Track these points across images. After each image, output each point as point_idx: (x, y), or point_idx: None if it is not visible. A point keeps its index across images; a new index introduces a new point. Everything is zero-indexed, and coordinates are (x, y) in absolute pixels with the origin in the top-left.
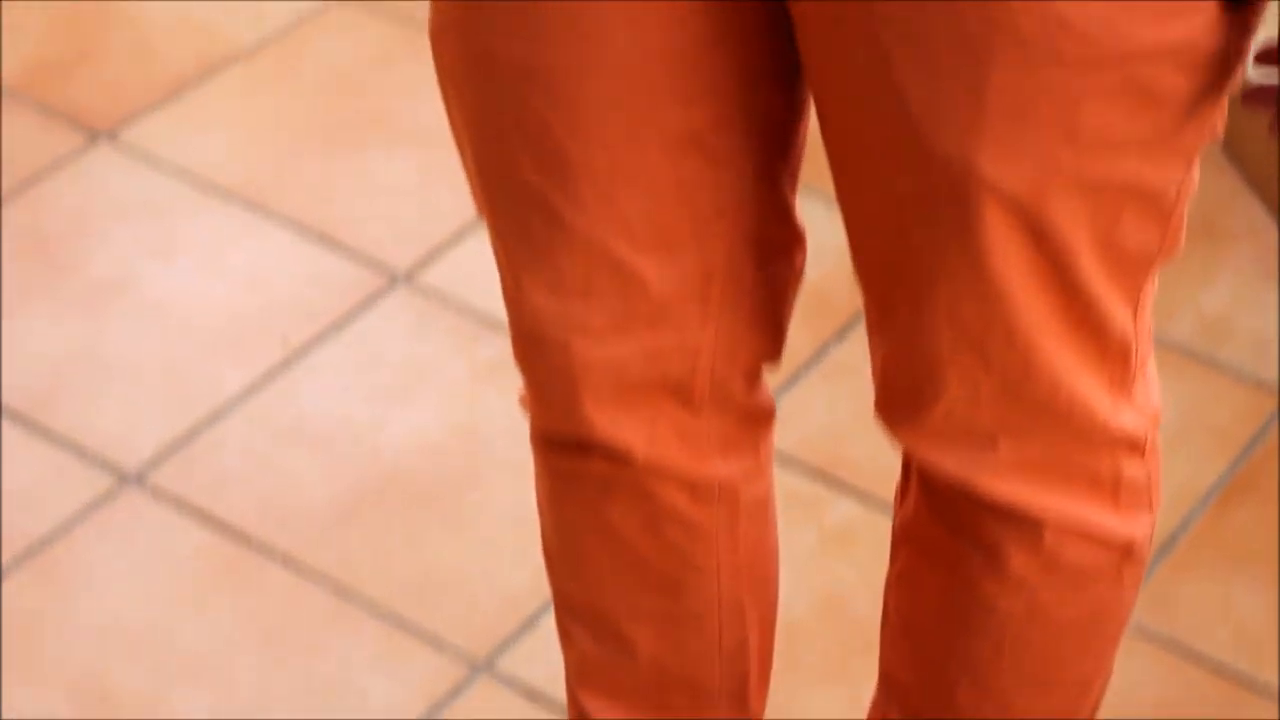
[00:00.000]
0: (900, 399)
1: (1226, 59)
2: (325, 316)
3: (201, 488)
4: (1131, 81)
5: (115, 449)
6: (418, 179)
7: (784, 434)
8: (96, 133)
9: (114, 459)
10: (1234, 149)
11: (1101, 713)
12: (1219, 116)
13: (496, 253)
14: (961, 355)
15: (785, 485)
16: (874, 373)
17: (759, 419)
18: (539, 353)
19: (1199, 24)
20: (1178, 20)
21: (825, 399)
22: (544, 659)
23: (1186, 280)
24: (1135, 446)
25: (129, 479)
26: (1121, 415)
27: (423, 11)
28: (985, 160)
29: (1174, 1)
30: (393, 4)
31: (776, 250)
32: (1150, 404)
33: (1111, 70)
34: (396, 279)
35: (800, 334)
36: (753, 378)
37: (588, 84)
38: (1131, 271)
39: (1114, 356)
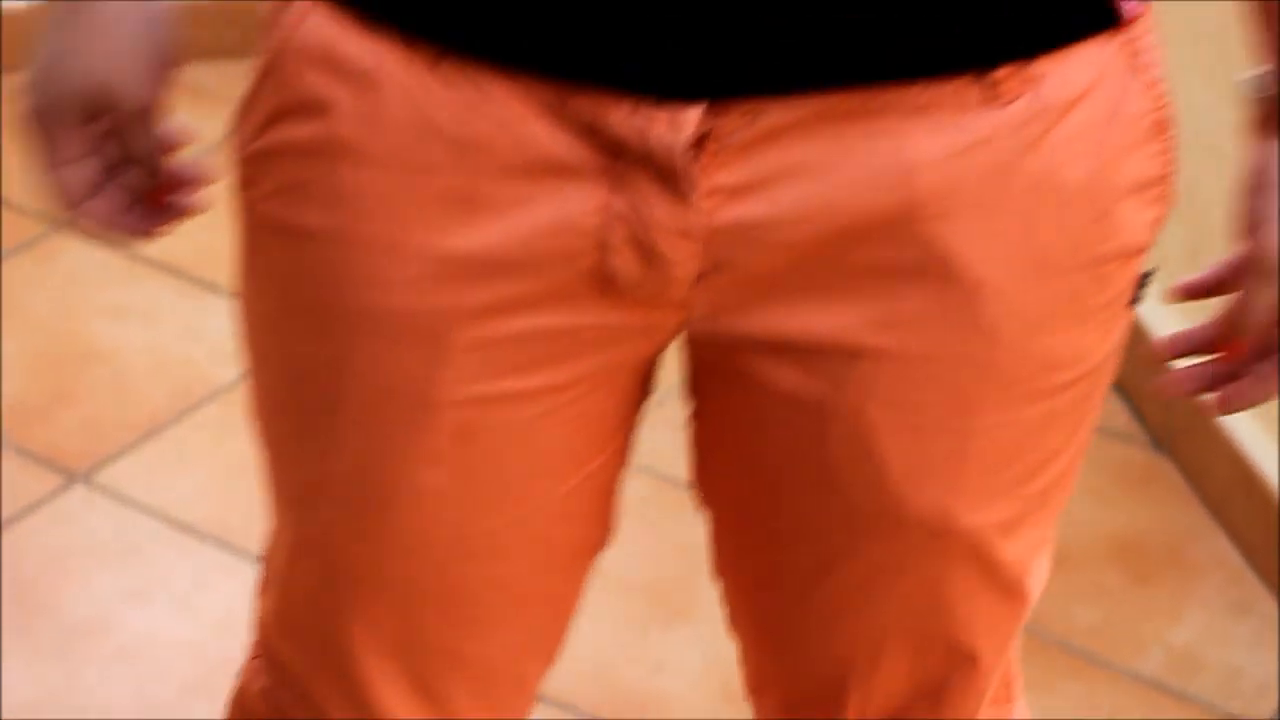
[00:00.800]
0: None
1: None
2: None
3: None
4: (1083, 396)
5: None
6: None
7: None
8: (73, 474)
9: None
10: (1198, 482)
11: None
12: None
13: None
14: None
15: None
16: None
17: None
18: None
19: (1122, 329)
20: (1116, 329)
21: None
22: None
23: (1155, 614)
24: None
25: None
26: None
27: None
28: (964, 509)
29: (1115, 313)
30: None
31: None
32: None
33: (1073, 390)
34: None
35: None
36: None
37: (513, 540)
38: (1026, 608)
39: (1001, 696)
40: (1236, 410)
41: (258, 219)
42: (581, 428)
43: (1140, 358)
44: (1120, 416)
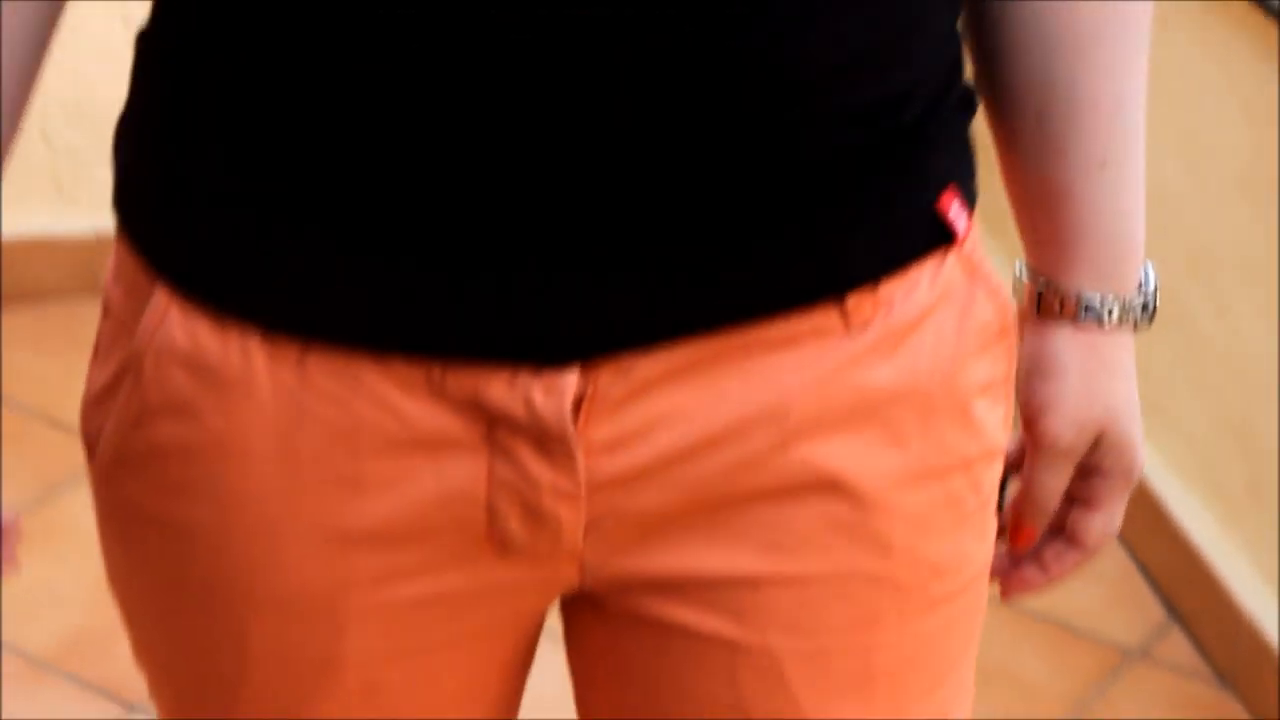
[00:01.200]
0: None
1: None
2: None
3: None
4: (972, 602)
5: None
6: None
7: None
8: (132, 706)
9: None
10: (1234, 683)
11: None
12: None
13: None
14: None
15: None
16: None
17: None
18: None
19: (992, 535)
20: (989, 534)
21: None
22: None
23: None
24: None
25: None
26: None
27: None
28: None
29: (987, 517)
30: None
31: None
32: None
33: (963, 597)
34: None
35: None
36: None
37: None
38: None
39: None
40: (1023, 595)
41: (131, 512)
42: (488, 664)
43: (1203, 592)
44: (1183, 651)
